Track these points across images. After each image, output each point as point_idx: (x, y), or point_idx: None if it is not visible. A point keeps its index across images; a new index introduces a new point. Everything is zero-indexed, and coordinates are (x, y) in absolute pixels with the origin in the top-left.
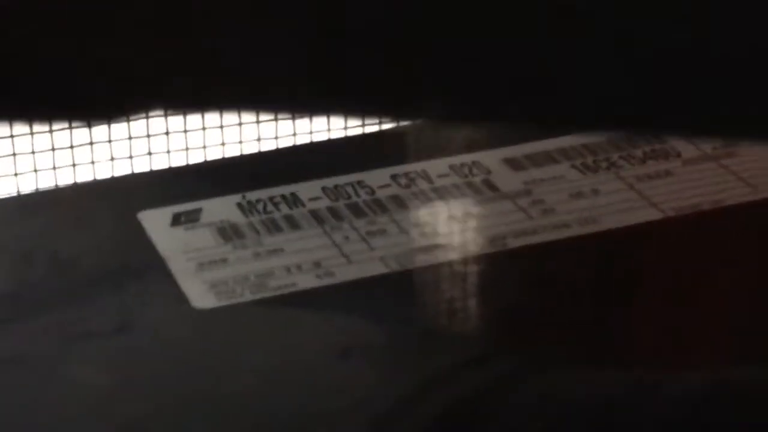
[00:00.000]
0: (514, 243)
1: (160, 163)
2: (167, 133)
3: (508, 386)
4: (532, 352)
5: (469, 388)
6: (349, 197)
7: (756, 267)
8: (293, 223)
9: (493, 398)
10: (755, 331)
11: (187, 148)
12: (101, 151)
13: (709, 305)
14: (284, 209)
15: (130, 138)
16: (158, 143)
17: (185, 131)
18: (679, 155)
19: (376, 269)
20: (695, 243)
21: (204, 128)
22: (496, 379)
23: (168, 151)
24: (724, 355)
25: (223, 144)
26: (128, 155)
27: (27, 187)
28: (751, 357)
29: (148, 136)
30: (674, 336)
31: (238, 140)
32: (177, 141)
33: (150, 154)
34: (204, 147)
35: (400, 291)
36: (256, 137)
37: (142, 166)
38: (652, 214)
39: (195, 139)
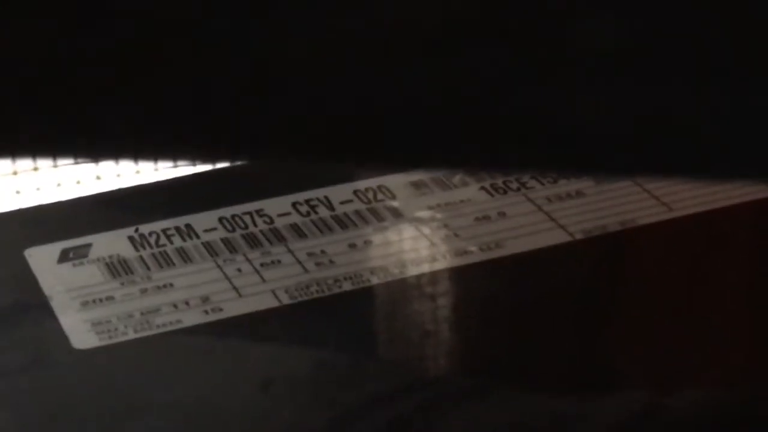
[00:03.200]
0: (414, 271)
1: (50, 197)
2: (55, 166)
3: (425, 417)
4: (447, 381)
5: (385, 419)
6: (246, 227)
7: (664, 286)
8: (185, 257)
9: (410, 429)
10: (672, 352)
11: (79, 182)
12: None
13: (622, 327)
14: (177, 242)
15: (15, 173)
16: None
17: (76, 162)
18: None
19: (266, 303)
20: (601, 265)
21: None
22: (415, 410)
23: (59, 184)
24: (650, 379)
25: (118, 176)
26: (15, 190)
27: None
28: (678, 379)
29: (35, 169)
30: (596, 359)
31: (135, 170)
32: (69, 173)
33: (38, 189)
34: (98, 178)
35: (291, 324)
36: (154, 167)
37: (29, 200)
38: (560, 237)
39: (88, 170)
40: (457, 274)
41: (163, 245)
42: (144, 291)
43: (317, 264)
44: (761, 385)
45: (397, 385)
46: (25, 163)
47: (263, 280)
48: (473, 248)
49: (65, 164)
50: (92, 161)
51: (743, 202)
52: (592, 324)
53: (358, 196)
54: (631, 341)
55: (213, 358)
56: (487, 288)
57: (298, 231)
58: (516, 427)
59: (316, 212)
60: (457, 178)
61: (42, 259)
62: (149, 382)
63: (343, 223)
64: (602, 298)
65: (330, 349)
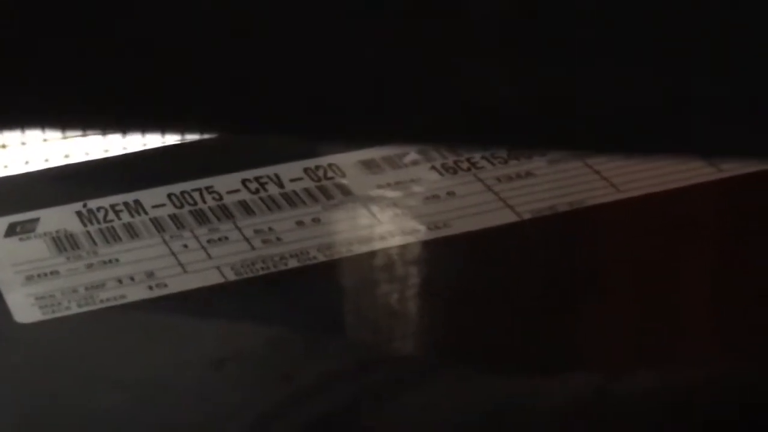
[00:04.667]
0: (360, 249)
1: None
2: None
3: (377, 396)
4: (398, 360)
5: (339, 399)
6: (195, 203)
7: (607, 267)
8: (132, 232)
9: (364, 410)
10: (620, 335)
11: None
12: None
13: (571, 307)
14: (125, 217)
15: None
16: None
17: (23, 144)
18: (544, 154)
19: (211, 279)
20: (547, 245)
21: (45, 140)
22: (366, 390)
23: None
24: (600, 362)
25: (67, 156)
26: None
27: None
28: (627, 363)
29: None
30: (544, 342)
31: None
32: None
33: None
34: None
35: (236, 300)
36: (105, 146)
37: None
38: (507, 217)
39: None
40: (404, 253)
41: (111, 221)
42: (90, 266)
43: (264, 241)
44: (710, 369)
45: (348, 364)
46: None
47: (209, 257)
48: (421, 227)
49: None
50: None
51: (691, 184)
52: (539, 304)
53: (308, 174)
54: (580, 323)
55: (156, 334)
56: (434, 267)
57: (246, 208)
58: (467, 407)
59: (265, 189)
60: (408, 158)
61: None
62: (94, 356)
63: (292, 200)
64: (548, 278)
65: (273, 326)
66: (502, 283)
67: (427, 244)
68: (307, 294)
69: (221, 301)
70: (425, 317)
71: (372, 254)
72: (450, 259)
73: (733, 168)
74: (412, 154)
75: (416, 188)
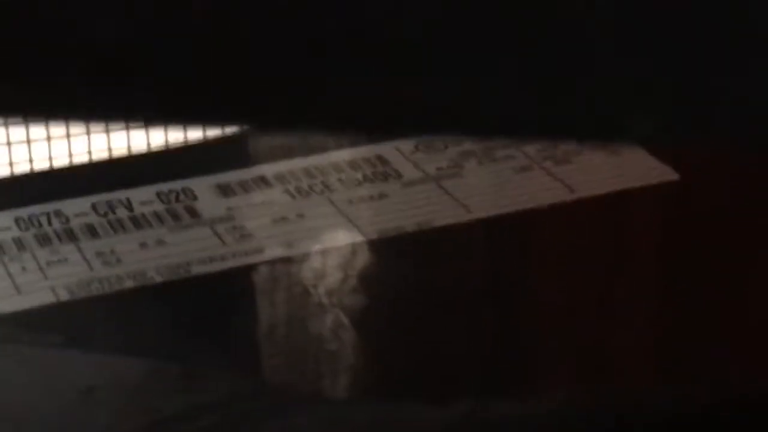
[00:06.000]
0: (198, 269)
1: None
2: None
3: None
4: (267, 388)
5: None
6: (41, 226)
7: (452, 287)
8: None
9: None
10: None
11: None
12: None
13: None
14: None
15: None
16: None
17: None
18: (400, 177)
19: (44, 299)
20: (391, 265)
21: None
22: (234, 418)
23: None
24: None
25: None
26: None
27: None
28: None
29: None
30: (407, 362)
31: None
32: None
33: None
34: None
35: (69, 319)
36: None
37: None
38: (354, 237)
39: None
40: (246, 273)
41: None
42: None
43: (104, 263)
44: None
45: (214, 392)
46: None
47: (45, 278)
48: (264, 247)
49: None
50: None
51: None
52: (400, 323)
53: (159, 198)
54: (457, 342)
55: None
56: (273, 287)
57: (91, 231)
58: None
59: (114, 213)
60: (263, 181)
61: None
62: None
63: (139, 223)
64: (400, 298)
65: (101, 346)
66: (348, 302)
67: (270, 264)
68: (139, 313)
69: (51, 318)
70: (270, 340)
71: (211, 274)
72: (291, 280)
73: (586, 189)
74: (268, 178)
75: (266, 210)
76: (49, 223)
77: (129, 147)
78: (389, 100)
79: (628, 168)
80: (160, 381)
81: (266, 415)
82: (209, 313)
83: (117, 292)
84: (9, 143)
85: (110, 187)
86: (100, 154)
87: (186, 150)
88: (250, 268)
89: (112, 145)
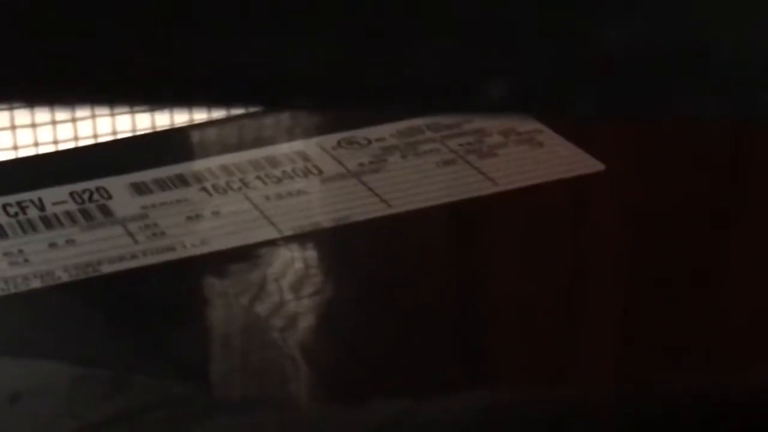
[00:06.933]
0: (109, 268)
1: None
2: None
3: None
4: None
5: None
6: None
7: (368, 283)
8: None
9: None
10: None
11: None
12: None
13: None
14: None
15: None
16: None
17: None
18: (320, 173)
19: None
20: (307, 262)
21: None
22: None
23: None
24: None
25: None
26: None
27: None
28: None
29: None
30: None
31: None
32: None
33: None
34: None
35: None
36: None
37: None
38: (269, 233)
39: None
40: (157, 272)
41: None
42: None
43: (11, 263)
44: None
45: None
46: None
47: None
48: (178, 245)
49: None
50: None
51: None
52: (338, 321)
53: (72, 198)
54: (378, 340)
55: None
56: (186, 286)
57: (0, 231)
58: None
59: (25, 213)
60: (180, 179)
61: None
62: None
63: (50, 223)
64: (319, 295)
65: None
66: (262, 299)
67: (180, 263)
68: (46, 313)
69: None
70: (185, 340)
71: (121, 273)
72: (204, 278)
73: (510, 182)
74: (185, 176)
75: (180, 208)
76: None
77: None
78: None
79: (554, 160)
80: (85, 386)
81: (194, 420)
82: (122, 313)
83: (26, 292)
84: None
85: (23, 188)
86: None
87: (103, 148)
88: (161, 267)
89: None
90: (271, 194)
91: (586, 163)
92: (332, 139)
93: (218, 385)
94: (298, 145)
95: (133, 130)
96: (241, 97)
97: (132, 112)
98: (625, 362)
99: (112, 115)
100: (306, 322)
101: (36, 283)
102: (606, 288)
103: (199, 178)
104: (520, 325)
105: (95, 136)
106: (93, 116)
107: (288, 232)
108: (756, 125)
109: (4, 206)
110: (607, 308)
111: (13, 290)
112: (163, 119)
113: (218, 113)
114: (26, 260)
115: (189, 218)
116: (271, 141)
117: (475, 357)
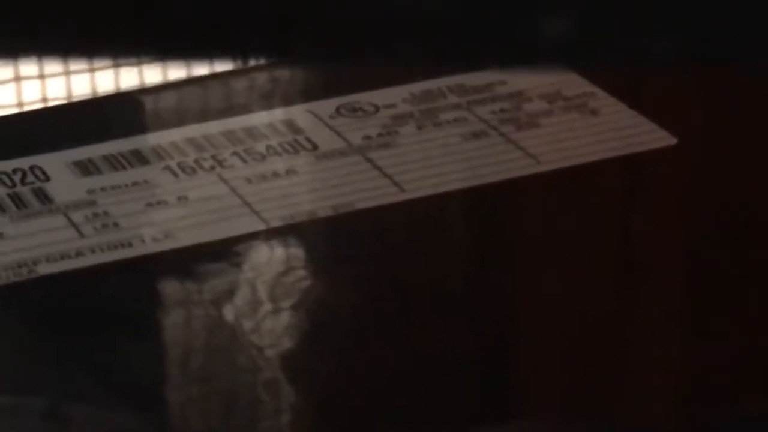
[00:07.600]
0: (47, 269)
1: None
2: None
3: None
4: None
5: None
6: None
7: (382, 290)
8: None
9: None
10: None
11: None
12: None
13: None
14: None
15: None
16: None
17: None
18: (314, 148)
19: None
20: (299, 260)
21: None
22: None
23: None
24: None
25: None
26: None
27: None
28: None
29: None
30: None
31: None
32: None
33: None
34: None
35: None
36: None
37: None
38: (251, 225)
39: None
40: (108, 273)
41: None
42: None
43: None
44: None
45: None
46: None
47: None
48: (135, 239)
49: None
50: None
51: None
52: (330, 333)
53: (1, 180)
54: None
55: None
56: (145, 291)
57: None
58: None
59: None
60: (136, 156)
61: None
62: None
63: None
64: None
65: None
66: (241, 308)
67: (140, 262)
68: None
69: None
70: (143, 360)
71: (66, 273)
72: (172, 280)
73: (555, 160)
74: (143, 151)
75: (138, 193)
76: None
77: None
78: None
79: (611, 132)
80: (13, 419)
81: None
82: (62, 325)
83: None
84: None
85: None
86: None
87: (38, 116)
88: (114, 267)
89: None
90: (253, 175)
91: (653, 136)
92: (329, 104)
93: (179, 418)
94: (285, 112)
95: (75, 95)
96: None
97: (76, 72)
98: (693, 386)
99: (66, 74)
100: (294, 338)
101: None
102: (676, 295)
103: (160, 155)
104: (569, 342)
105: (44, 99)
106: (41, 77)
107: (275, 223)
108: None
109: None
110: (676, 318)
111: None
112: (114, 80)
113: (183, 72)
114: None
115: (149, 205)
116: (251, 107)
117: (514, 385)
